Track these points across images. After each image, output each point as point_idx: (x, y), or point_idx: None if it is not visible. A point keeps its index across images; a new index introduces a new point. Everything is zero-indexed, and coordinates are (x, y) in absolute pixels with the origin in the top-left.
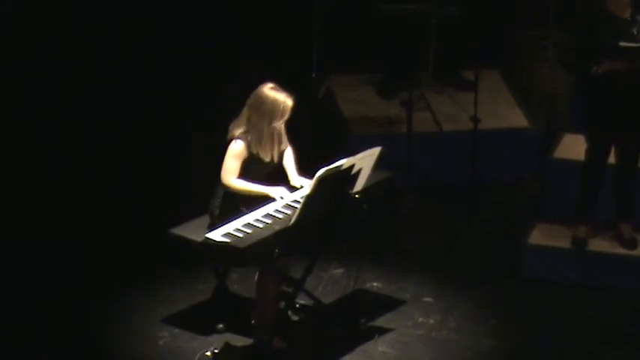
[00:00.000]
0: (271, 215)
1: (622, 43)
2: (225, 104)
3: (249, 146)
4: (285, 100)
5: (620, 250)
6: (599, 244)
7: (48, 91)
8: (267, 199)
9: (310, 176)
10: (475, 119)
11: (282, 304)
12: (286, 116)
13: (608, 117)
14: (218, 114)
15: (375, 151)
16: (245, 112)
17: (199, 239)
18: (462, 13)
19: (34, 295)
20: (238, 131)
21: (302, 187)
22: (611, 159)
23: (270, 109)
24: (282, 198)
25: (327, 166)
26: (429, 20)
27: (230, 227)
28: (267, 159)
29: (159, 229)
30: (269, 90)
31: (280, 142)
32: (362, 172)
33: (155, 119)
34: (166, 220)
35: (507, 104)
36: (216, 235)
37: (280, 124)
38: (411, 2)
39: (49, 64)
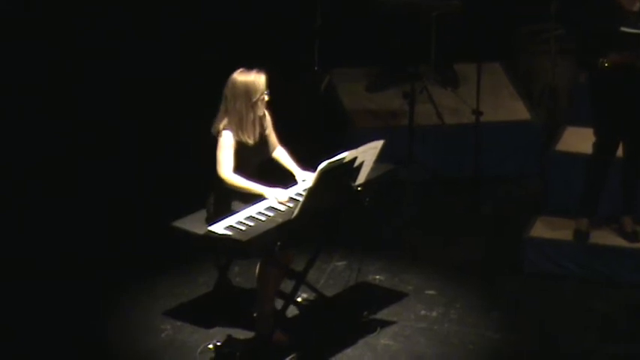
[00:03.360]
0: (273, 208)
1: (623, 29)
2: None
3: (235, 135)
4: (255, 77)
5: (623, 243)
6: (602, 238)
7: (48, 90)
8: (262, 197)
9: (313, 170)
10: (477, 112)
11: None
12: (262, 92)
13: (618, 112)
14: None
15: (377, 144)
16: (222, 104)
17: (201, 232)
18: (464, 5)
19: (35, 291)
20: (222, 124)
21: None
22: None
23: (244, 91)
24: (277, 198)
25: (329, 159)
26: (431, 13)
27: (232, 220)
28: (251, 141)
29: (160, 222)
30: (238, 74)
31: (262, 125)
32: (364, 165)
33: (155, 118)
34: (167, 214)
35: (509, 97)
36: (219, 227)
37: (260, 105)
38: None
39: (49, 60)
